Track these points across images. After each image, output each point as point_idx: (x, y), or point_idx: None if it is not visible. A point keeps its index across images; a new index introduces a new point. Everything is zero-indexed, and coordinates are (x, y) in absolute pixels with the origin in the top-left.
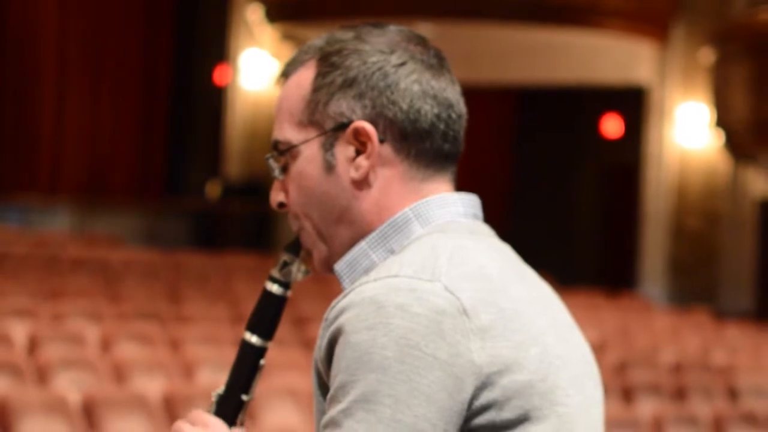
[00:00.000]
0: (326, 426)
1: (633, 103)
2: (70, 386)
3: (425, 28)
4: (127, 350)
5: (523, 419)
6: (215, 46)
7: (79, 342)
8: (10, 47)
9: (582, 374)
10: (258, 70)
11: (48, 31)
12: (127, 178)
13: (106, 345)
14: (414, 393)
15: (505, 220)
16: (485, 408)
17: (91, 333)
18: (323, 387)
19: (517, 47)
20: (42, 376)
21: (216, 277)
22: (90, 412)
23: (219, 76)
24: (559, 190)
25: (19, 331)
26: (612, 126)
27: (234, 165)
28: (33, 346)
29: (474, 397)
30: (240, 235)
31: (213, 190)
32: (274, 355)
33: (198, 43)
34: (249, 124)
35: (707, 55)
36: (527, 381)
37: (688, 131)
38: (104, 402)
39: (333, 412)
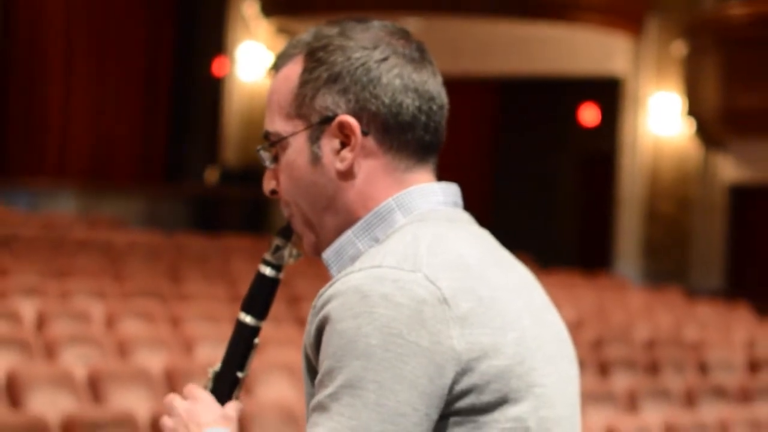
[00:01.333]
0: (314, 409)
1: (609, 93)
2: (76, 361)
3: (411, 22)
4: (131, 327)
5: (502, 402)
6: (213, 39)
7: (85, 319)
8: (20, 37)
9: (557, 353)
10: (254, 62)
11: (56, 24)
12: (130, 164)
13: (110, 322)
14: (397, 379)
15: (488, 204)
16: (465, 392)
17: (96, 310)
18: (312, 371)
19: (499, 40)
20: (49, 351)
21: (214, 257)
22: (95, 385)
23: (217, 67)
24: (539, 176)
25: (28, 309)
26: (589, 115)
27: (231, 152)
28: (41, 322)
29: (455, 382)
30: (237, 218)
31: (211, 175)
32: (269, 331)
33: (197, 36)
34: (245, 113)
35: (679, 48)
36: (505, 365)
37: (661, 120)
38: (108, 376)
39: (320, 396)
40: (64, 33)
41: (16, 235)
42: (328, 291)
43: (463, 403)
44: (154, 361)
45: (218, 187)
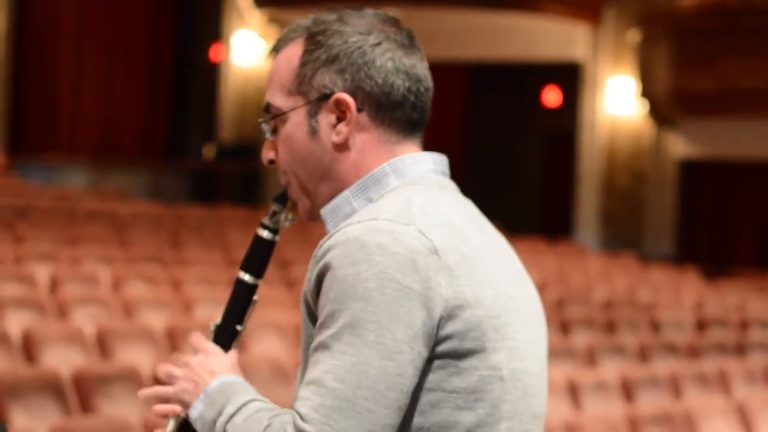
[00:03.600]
0: (317, 349)
1: (570, 77)
2: (85, 320)
3: (391, 12)
4: (135, 289)
5: (480, 349)
6: (211, 27)
7: (94, 282)
8: (34, 26)
9: (529, 315)
10: (247, 48)
11: (67, 14)
12: (135, 141)
13: (116, 284)
14: (394, 319)
15: (460, 177)
16: (449, 337)
17: (104, 274)
18: (311, 316)
19: (470, 29)
20: (62, 311)
21: (211, 226)
22: (103, 342)
23: (214, 53)
24: (507, 152)
25: (42, 273)
26: (552, 97)
27: (227, 130)
28: (54, 285)
29: (439, 326)
30: (231, 190)
31: (209, 151)
32: (261, 292)
33: (196, 25)
34: (239, 95)
35: (634, 35)
36: (484, 316)
37: (617, 101)
38: (115, 333)
39: (323, 336)
40: (75, 22)
41: (31, 206)
42: (329, 242)
43: (446, 347)
44: (156, 320)
45: (215, 162)
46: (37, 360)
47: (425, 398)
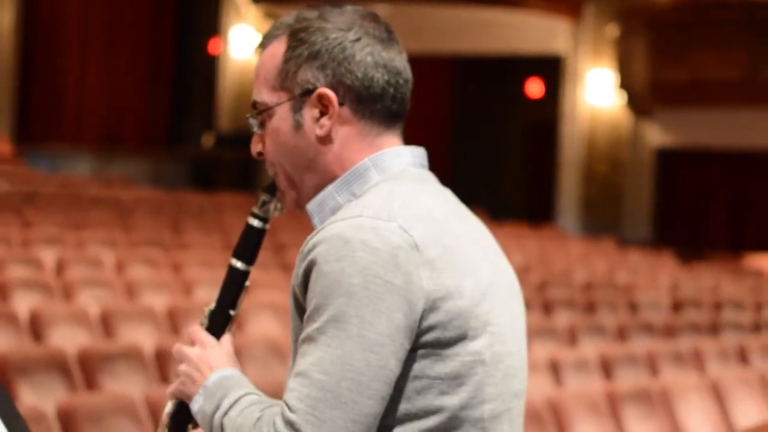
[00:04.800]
0: (303, 341)
1: (552, 69)
2: (90, 301)
3: (380, 8)
4: (137, 271)
5: (462, 337)
6: (209, 22)
7: (98, 265)
8: (41, 19)
9: (508, 296)
10: (244, 42)
11: (73, 9)
12: (137, 130)
13: (120, 267)
14: (376, 313)
15: (447, 165)
16: (432, 327)
17: (108, 257)
18: (299, 308)
19: (456, 23)
20: (67, 292)
21: (210, 211)
22: (107, 322)
23: (212, 47)
24: (492, 141)
25: (49, 256)
26: (534, 88)
27: (225, 120)
28: (60, 268)
29: (423, 318)
30: (229, 177)
31: (208, 140)
32: (258, 276)
33: (195, 20)
34: (237, 86)
35: (612, 30)
36: (466, 306)
37: (597, 92)
38: (118, 314)
39: (309, 330)
40: (79, 17)
41: (39, 193)
42: (315, 238)
43: (429, 337)
44: (157, 301)
45: (213, 150)
46: (43, 339)
47: (411, 385)
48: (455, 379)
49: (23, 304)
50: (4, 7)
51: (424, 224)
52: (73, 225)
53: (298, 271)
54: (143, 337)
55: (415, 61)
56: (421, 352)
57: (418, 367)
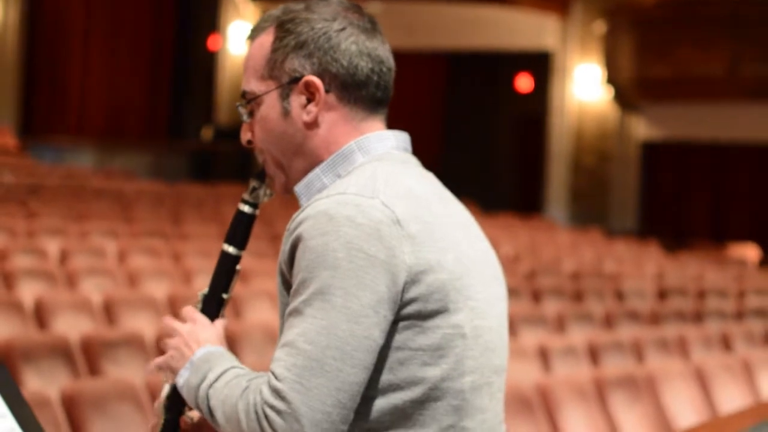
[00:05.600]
0: (290, 314)
1: (540, 64)
2: (93, 289)
3: (375, 6)
4: (139, 261)
5: (442, 310)
6: (209, 19)
7: (101, 254)
8: (45, 16)
9: (489, 275)
10: (242, 38)
11: (76, 6)
12: (139, 124)
13: (121, 256)
14: (360, 286)
15: (439, 158)
16: (413, 300)
17: (110, 247)
18: (286, 284)
19: (449, 20)
20: (71, 281)
21: (209, 202)
22: (109, 310)
23: (212, 43)
24: (483, 134)
25: (53, 246)
26: (524, 83)
27: (223, 113)
28: (64, 257)
29: (404, 290)
30: (228, 169)
31: (207, 133)
32: (254, 264)
33: (195, 16)
34: (235, 81)
35: (600, 27)
36: (446, 279)
37: (584, 87)
38: (120, 302)
39: (296, 303)
40: (83, 14)
41: (43, 185)
42: (300, 215)
43: (411, 309)
44: (158, 289)
45: (212, 143)
46: (48, 326)
47: (393, 356)
48: (436, 351)
49: (28, 292)
50: (10, 4)
51: (406, 201)
52: (76, 216)
53: (285, 247)
54: (144, 325)
55: (408, 56)
56: (403, 323)
57: (401, 338)
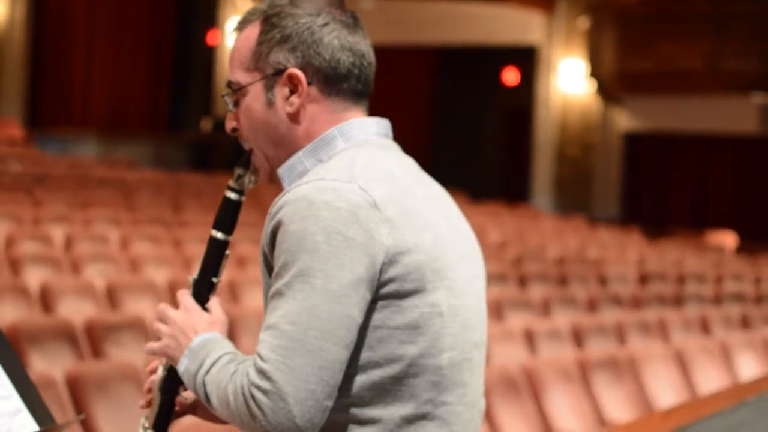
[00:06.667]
0: (273, 296)
1: (527, 59)
2: (96, 275)
3: (368, 3)
4: (140, 247)
5: (419, 290)
6: (208, 15)
7: (104, 241)
8: (50, 12)
9: (467, 255)
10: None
11: (79, 1)
12: (140, 116)
13: (124, 243)
14: (339, 267)
15: (429, 148)
16: (391, 280)
17: (113, 234)
18: (268, 266)
19: (438, 16)
20: (75, 267)
21: (208, 191)
22: (112, 294)
23: (210, 38)
24: (471, 126)
25: (58, 233)
26: (510, 76)
27: (222, 106)
28: (68, 244)
29: (382, 271)
30: (226, 159)
31: (206, 125)
32: (251, 251)
33: (195, 12)
34: None
35: (584, 22)
36: (423, 260)
37: (569, 80)
38: (123, 287)
39: (278, 285)
40: (86, 10)
41: (48, 174)
42: (281, 200)
43: (388, 289)
44: (159, 275)
45: (211, 134)
46: (53, 310)
47: (372, 335)
48: (414, 329)
49: (34, 277)
50: (16, 3)
51: (384, 185)
52: (80, 204)
53: (266, 230)
54: (146, 309)
55: (400, 51)
56: (381, 303)
57: (379, 317)
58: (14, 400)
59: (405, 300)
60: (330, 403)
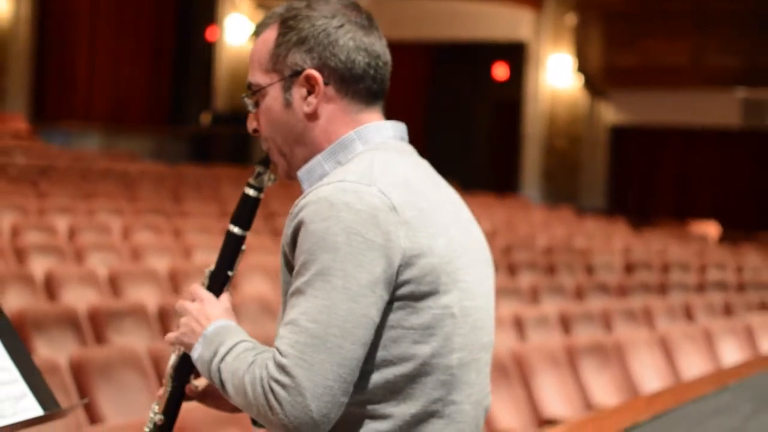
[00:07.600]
0: (293, 294)
1: (516, 54)
2: (99, 263)
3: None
4: (142, 237)
5: (434, 292)
6: (207, 11)
7: (106, 231)
8: (54, 8)
9: (478, 258)
10: (238, 30)
11: (83, 1)
12: (142, 109)
13: (126, 233)
14: (358, 268)
15: (422, 140)
16: (407, 282)
17: (115, 224)
18: (289, 265)
19: (432, 14)
20: (79, 256)
21: (207, 183)
22: (114, 282)
23: (210, 34)
24: (462, 119)
25: (62, 223)
26: (500, 71)
27: (221, 100)
28: (72, 234)
29: (399, 273)
30: (225, 152)
31: (205, 118)
32: (250, 240)
33: (194, 9)
34: (232, 69)
35: (571, 19)
36: (437, 263)
37: (557, 75)
38: (125, 275)
39: (298, 283)
40: (89, 7)
41: (53, 166)
42: (303, 201)
43: (404, 291)
44: (160, 263)
45: (211, 127)
46: (57, 298)
47: (387, 335)
48: (427, 330)
49: (39, 266)
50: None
51: (401, 189)
52: (83, 195)
53: (288, 231)
54: (147, 296)
55: (394, 47)
56: (397, 304)
57: (394, 318)
58: (19, 385)
59: (420, 301)
60: (346, 399)
